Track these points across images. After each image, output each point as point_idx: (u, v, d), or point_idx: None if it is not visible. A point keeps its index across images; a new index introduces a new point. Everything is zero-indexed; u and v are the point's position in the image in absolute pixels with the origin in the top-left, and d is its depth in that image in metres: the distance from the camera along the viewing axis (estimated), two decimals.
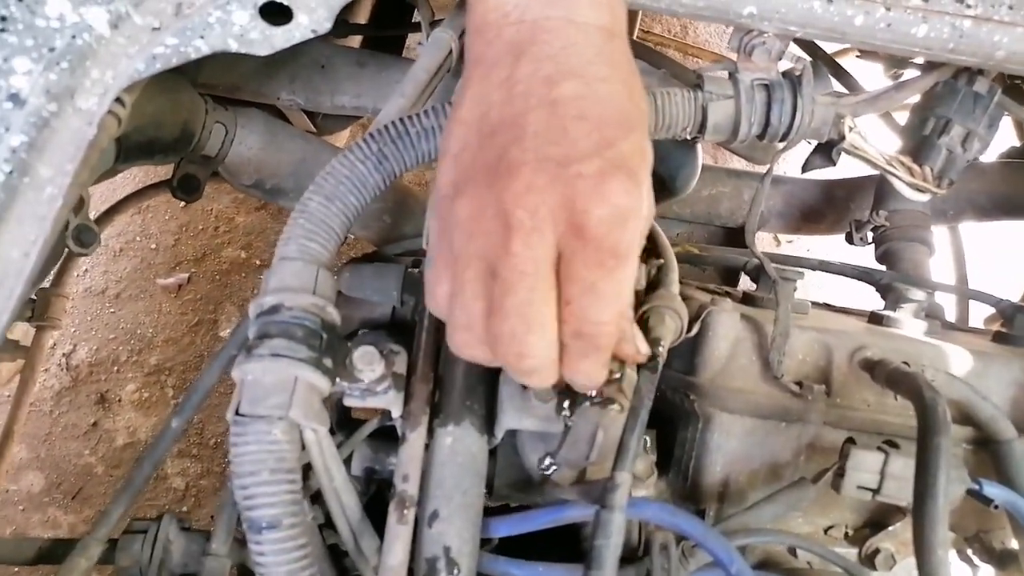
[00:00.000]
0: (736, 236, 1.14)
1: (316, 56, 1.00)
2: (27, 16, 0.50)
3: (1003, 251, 1.51)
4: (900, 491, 0.57)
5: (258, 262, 1.79)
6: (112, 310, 1.70)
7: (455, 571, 0.52)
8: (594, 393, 0.53)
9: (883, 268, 0.89)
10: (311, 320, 0.53)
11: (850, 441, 0.60)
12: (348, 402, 0.56)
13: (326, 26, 0.60)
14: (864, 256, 0.96)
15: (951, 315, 1.07)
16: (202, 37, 0.56)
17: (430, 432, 0.57)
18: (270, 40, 0.58)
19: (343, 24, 1.13)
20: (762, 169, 1.24)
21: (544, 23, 0.44)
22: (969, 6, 0.62)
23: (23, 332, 1.20)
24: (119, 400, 1.61)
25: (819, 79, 0.66)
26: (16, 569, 1.27)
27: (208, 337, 1.70)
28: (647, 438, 0.63)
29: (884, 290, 0.75)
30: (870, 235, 0.93)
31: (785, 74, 0.68)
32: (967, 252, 1.18)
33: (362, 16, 1.24)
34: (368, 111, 1.02)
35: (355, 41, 1.20)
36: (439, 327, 0.61)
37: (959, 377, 0.62)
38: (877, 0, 0.62)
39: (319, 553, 0.58)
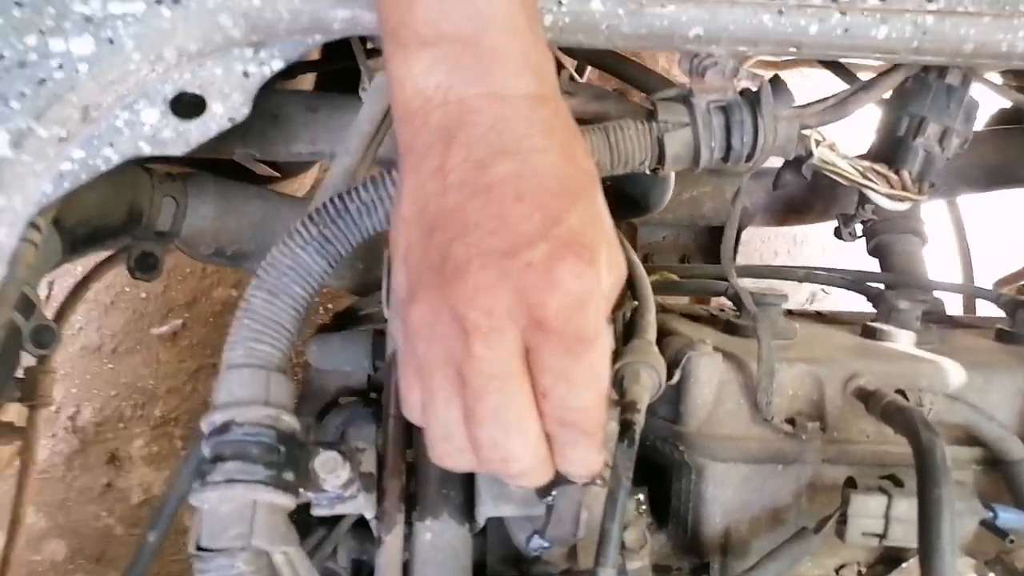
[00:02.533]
0: (719, 234, 1.10)
1: (267, 106, 0.96)
2: None
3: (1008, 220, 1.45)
4: (907, 534, 0.54)
5: None
6: (111, 366, 1.70)
7: None
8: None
9: (876, 267, 0.85)
10: (266, 434, 0.51)
11: (850, 484, 0.57)
12: (317, 512, 0.53)
13: (244, 112, 0.57)
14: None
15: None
16: (111, 145, 0.53)
17: (408, 526, 0.54)
18: (184, 137, 0.55)
19: (295, 65, 1.10)
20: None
21: (470, 102, 0.40)
22: (930, 0, 0.57)
23: (16, 413, 1.19)
24: (129, 457, 1.61)
25: (779, 93, 0.62)
26: None
27: (210, 382, 1.69)
28: (639, 497, 0.60)
29: (875, 299, 0.71)
30: (859, 229, 0.89)
31: (743, 92, 0.64)
32: (968, 225, 1.13)
33: (314, 53, 1.19)
34: (326, 156, 0.98)
35: (308, 79, 1.16)
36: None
37: (960, 399, 0.59)
38: (831, 6, 0.58)
39: None
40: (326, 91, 1.07)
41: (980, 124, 0.97)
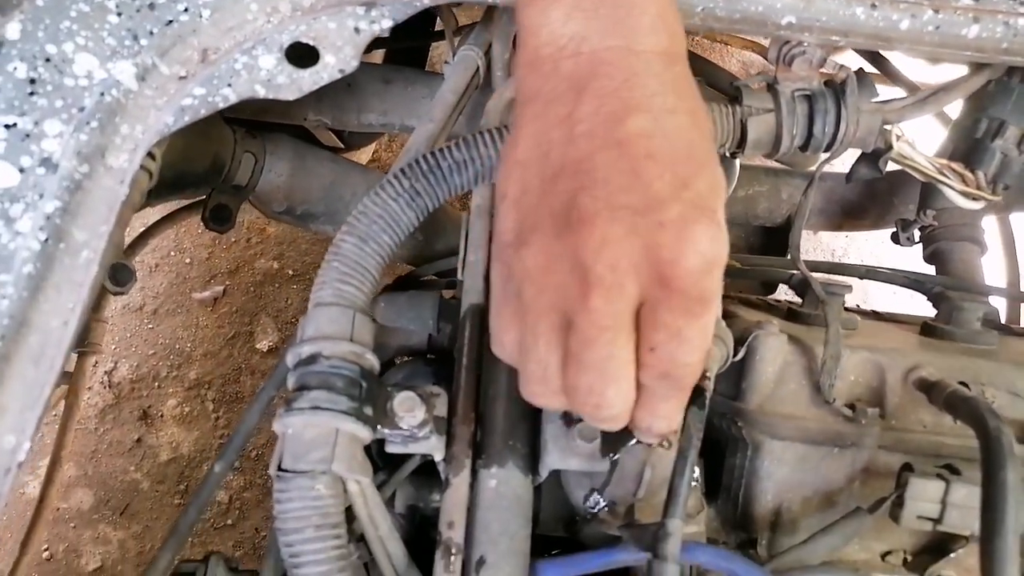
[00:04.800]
0: (774, 235, 1.11)
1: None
2: (56, 77, 0.50)
3: None
4: (964, 520, 0.55)
5: (291, 272, 1.80)
6: (150, 326, 1.73)
7: None
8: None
9: (932, 270, 0.86)
10: (350, 368, 0.53)
11: (907, 468, 0.57)
12: (390, 449, 0.55)
13: (353, 64, 0.60)
14: (913, 256, 0.93)
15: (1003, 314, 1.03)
16: (229, 85, 0.55)
17: (473, 474, 0.56)
18: (298, 83, 0.57)
19: None
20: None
21: (603, 55, 0.41)
22: (1023, 4, 0.59)
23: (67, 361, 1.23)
24: (161, 416, 1.64)
25: (863, 86, 0.63)
26: None
27: (245, 349, 1.72)
28: (696, 469, 0.61)
29: (936, 299, 0.72)
30: (917, 234, 0.89)
31: (828, 83, 0.65)
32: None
33: None
34: (395, 128, 1.01)
35: (378, 55, 1.19)
36: (478, 365, 0.60)
37: (1021, 394, 0.59)
38: (924, 2, 0.59)
39: None
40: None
41: None
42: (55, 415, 1.29)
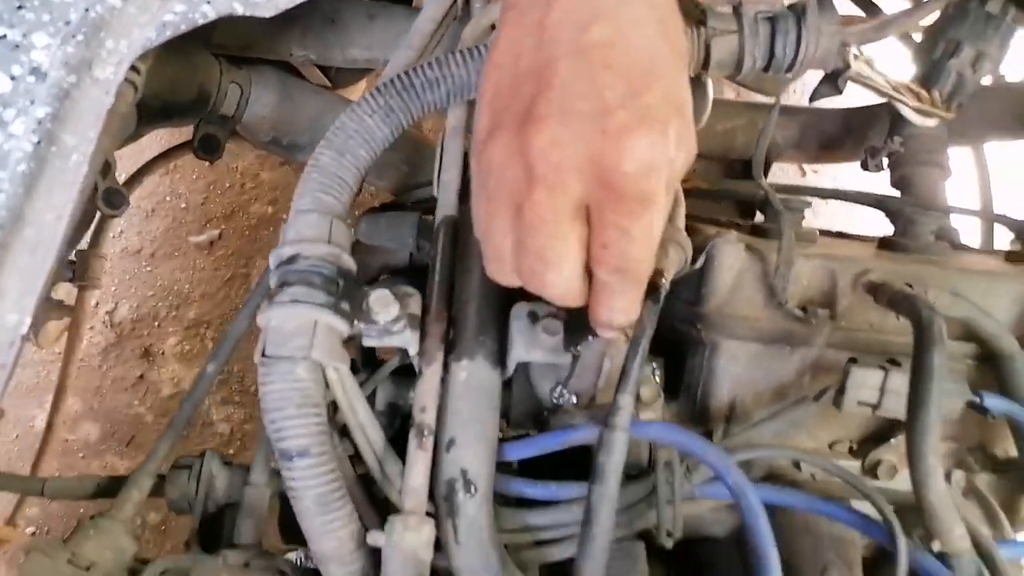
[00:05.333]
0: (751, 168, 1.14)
1: (326, 10, 1.01)
2: None
3: None
4: (899, 405, 0.59)
5: (284, 216, 1.83)
6: (149, 268, 1.77)
7: (472, 490, 0.56)
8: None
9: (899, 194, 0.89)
10: (327, 268, 0.57)
11: (852, 360, 0.62)
12: (366, 342, 0.59)
13: None
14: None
15: (976, 240, 1.06)
16: (208, 2, 0.58)
17: (446, 367, 0.60)
18: (274, 2, 0.59)
19: None
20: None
21: None
22: None
23: (66, 292, 1.27)
24: (162, 353, 1.69)
25: (824, 9, 0.65)
26: (81, 509, 1.37)
27: (242, 290, 1.76)
28: (654, 365, 0.66)
29: (894, 216, 0.76)
30: (885, 161, 0.92)
31: (791, 6, 0.67)
32: (993, 174, 1.16)
33: None
34: (380, 63, 1.03)
35: None
36: (451, 270, 0.63)
37: (962, 296, 0.63)
38: None
39: (350, 480, 0.62)
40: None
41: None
42: (58, 352, 1.33)
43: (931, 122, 0.68)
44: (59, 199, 0.49)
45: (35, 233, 0.48)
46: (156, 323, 1.72)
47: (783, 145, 1.08)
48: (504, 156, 0.43)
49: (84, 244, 1.22)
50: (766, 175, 1.09)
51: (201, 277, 1.76)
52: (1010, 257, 0.74)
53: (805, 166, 1.91)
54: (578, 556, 0.49)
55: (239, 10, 0.59)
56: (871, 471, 0.65)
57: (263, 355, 0.55)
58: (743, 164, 1.15)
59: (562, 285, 0.46)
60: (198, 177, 1.85)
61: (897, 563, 0.53)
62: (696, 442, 0.52)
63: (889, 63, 0.73)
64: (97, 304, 1.71)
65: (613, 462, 0.50)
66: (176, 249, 1.79)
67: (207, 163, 1.54)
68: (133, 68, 0.57)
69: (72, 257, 1.26)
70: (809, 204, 0.72)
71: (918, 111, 0.67)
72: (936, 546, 0.54)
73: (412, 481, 0.56)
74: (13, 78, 0.50)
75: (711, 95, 0.90)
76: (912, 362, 0.54)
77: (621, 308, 0.47)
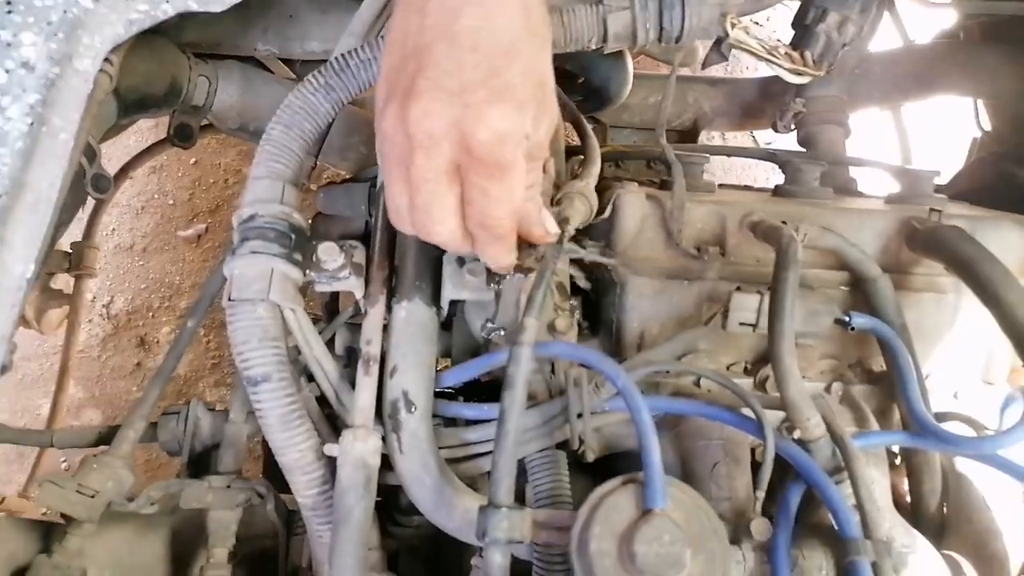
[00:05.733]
0: (686, 137, 1.24)
1: (284, 7, 1.10)
2: None
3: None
4: None
5: None
6: (141, 263, 1.87)
7: (412, 409, 0.66)
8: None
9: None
10: (281, 224, 0.67)
11: (737, 289, 0.72)
12: (318, 288, 0.69)
13: None
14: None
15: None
16: (167, 1, 0.67)
17: (389, 308, 0.70)
18: None
19: None
20: (708, 73, 1.33)
21: None
22: None
23: (65, 282, 1.37)
24: (156, 341, 1.79)
25: None
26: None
27: None
28: (573, 302, 0.75)
29: (784, 166, 0.86)
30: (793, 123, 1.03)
31: None
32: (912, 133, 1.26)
33: None
34: None
35: None
36: (392, 227, 0.73)
37: (831, 230, 0.73)
38: None
39: (315, 411, 0.72)
40: None
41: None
42: (60, 345, 1.42)
43: (803, 79, 0.78)
44: (52, 169, 0.59)
45: (34, 196, 0.58)
46: (150, 314, 1.82)
47: (711, 114, 1.18)
48: (392, 125, 0.50)
49: (79, 236, 1.33)
50: (696, 142, 1.20)
51: (190, 269, 1.87)
52: (889, 199, 0.84)
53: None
54: (494, 451, 0.59)
55: (193, 7, 0.68)
56: (760, 386, 0.75)
57: (229, 299, 0.65)
58: (678, 134, 1.25)
59: (446, 235, 0.54)
60: (183, 175, 1.95)
61: (765, 449, 0.63)
62: (591, 355, 0.62)
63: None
64: (94, 298, 1.81)
65: (521, 371, 0.59)
66: (166, 244, 1.89)
67: (191, 161, 1.65)
68: (107, 60, 0.67)
69: (68, 249, 1.36)
70: (707, 159, 0.82)
71: (792, 71, 0.77)
72: (796, 434, 0.64)
73: (360, 401, 0.66)
74: (7, 71, 0.60)
75: (630, 68, 1.01)
76: (772, 280, 0.64)
77: (492, 256, 0.56)
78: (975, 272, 0.66)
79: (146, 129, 1.74)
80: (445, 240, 0.55)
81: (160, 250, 1.89)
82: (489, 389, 0.79)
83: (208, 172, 1.95)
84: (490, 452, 0.72)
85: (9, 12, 0.62)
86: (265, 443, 0.84)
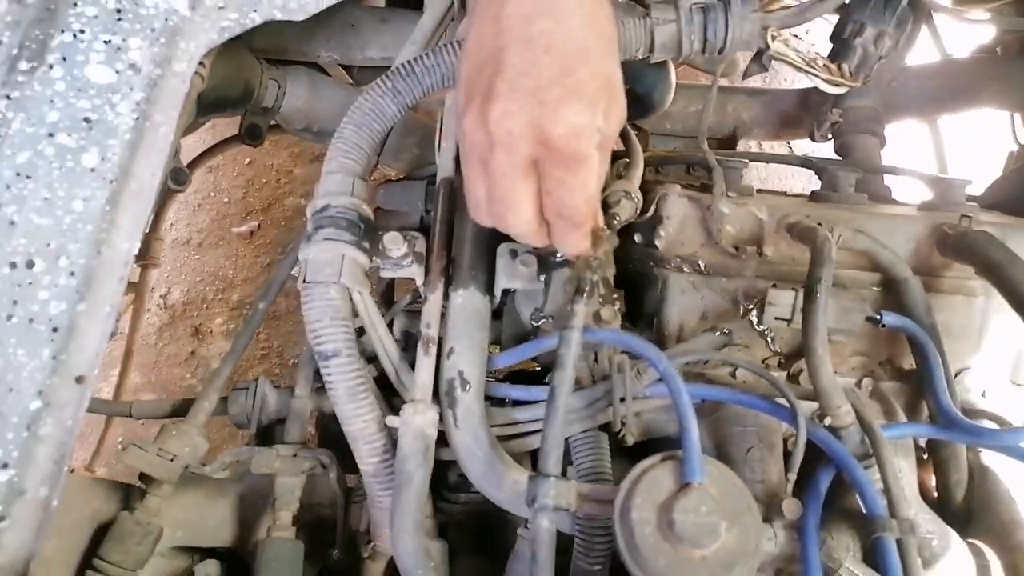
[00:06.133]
0: (725, 146, 1.28)
1: (346, 17, 1.18)
2: (133, 7, 0.70)
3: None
4: None
5: None
6: (196, 257, 1.96)
7: (467, 387, 0.72)
8: (559, 257, 0.72)
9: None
10: (351, 214, 0.73)
11: (773, 285, 0.76)
12: (383, 274, 0.75)
13: None
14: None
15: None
16: (255, 11, 0.75)
17: (446, 295, 0.76)
18: (304, 7, 0.76)
19: None
20: (747, 84, 1.37)
21: None
22: None
23: (130, 271, 1.46)
24: (210, 331, 1.88)
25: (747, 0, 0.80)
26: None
27: None
28: (616, 295, 0.80)
29: (820, 173, 0.90)
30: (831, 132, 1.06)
31: None
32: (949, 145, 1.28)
33: None
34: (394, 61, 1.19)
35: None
36: (450, 219, 0.79)
37: (864, 232, 0.77)
38: None
39: (374, 390, 0.78)
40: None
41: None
42: (122, 333, 1.51)
43: (840, 90, 0.82)
44: (154, 160, 0.66)
45: (138, 185, 0.65)
46: (204, 305, 1.92)
47: (749, 124, 1.22)
48: (473, 126, 0.55)
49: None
50: (734, 149, 1.24)
51: (243, 263, 1.95)
52: (921, 206, 0.87)
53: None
54: (544, 426, 0.64)
55: (278, 15, 0.75)
56: (794, 378, 0.79)
57: (304, 282, 0.71)
58: (718, 142, 1.29)
59: (522, 226, 0.59)
60: (238, 175, 2.04)
61: (797, 434, 0.67)
62: (635, 341, 0.67)
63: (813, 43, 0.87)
64: (152, 289, 1.91)
65: (571, 353, 0.64)
66: (220, 239, 1.98)
67: (246, 162, 1.74)
68: (200, 63, 0.74)
69: None
70: (746, 164, 0.86)
71: (829, 82, 0.81)
72: (827, 421, 0.68)
73: (420, 378, 0.72)
74: (117, 72, 0.68)
75: (673, 77, 1.06)
76: (807, 277, 0.69)
77: (568, 243, 0.61)
78: (1004, 276, 0.70)
79: (203, 129, 1.84)
80: (522, 230, 0.59)
81: (215, 245, 1.98)
82: (532, 378, 0.84)
83: (261, 172, 2.04)
84: (536, 431, 0.77)
85: (119, 20, 0.69)
86: (319, 420, 0.91)
